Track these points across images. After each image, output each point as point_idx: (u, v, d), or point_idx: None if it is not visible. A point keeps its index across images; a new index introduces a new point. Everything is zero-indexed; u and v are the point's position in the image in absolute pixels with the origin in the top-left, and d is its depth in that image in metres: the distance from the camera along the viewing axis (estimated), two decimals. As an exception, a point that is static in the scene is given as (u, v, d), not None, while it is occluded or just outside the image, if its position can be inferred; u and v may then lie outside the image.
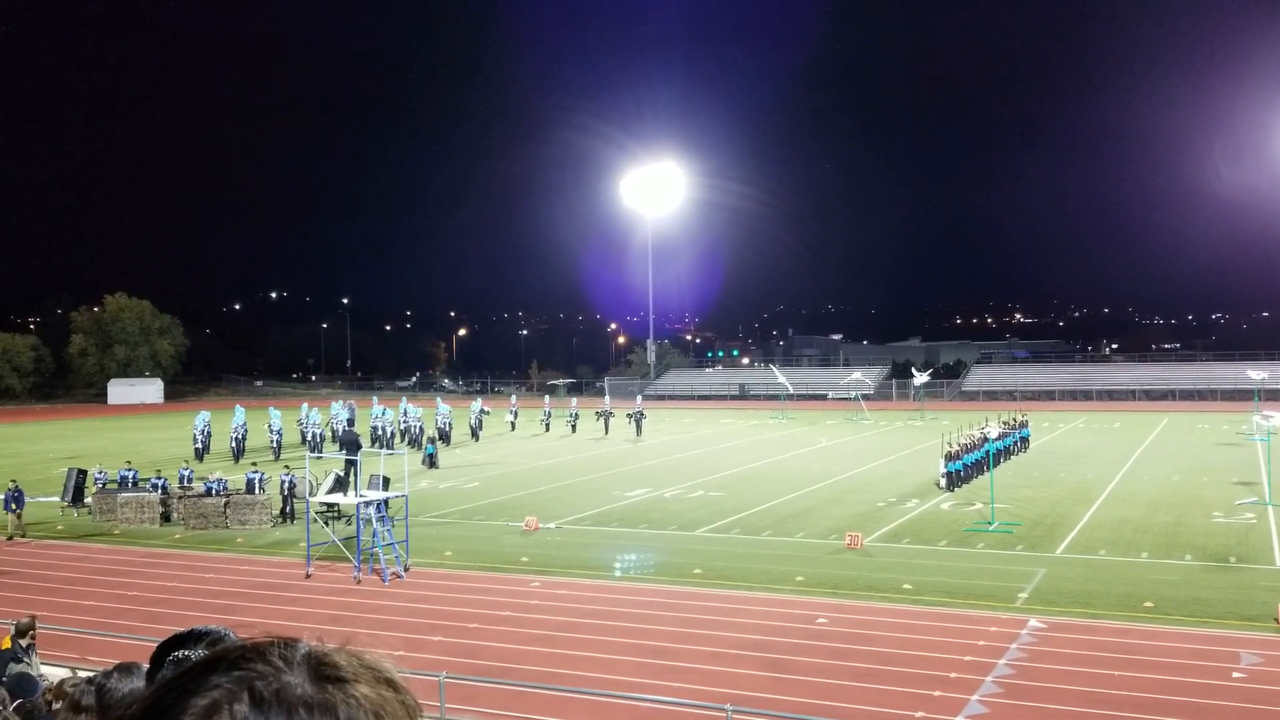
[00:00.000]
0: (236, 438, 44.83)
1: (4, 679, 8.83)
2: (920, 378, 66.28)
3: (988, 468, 30.79)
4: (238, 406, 48.64)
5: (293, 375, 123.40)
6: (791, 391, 71.93)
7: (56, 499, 31.68)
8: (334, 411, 52.94)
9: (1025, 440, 43.19)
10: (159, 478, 30.16)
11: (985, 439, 33.05)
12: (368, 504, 22.27)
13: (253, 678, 1.05)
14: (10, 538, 26.61)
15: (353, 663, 1.10)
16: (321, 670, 1.08)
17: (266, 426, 46.65)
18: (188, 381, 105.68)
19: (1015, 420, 43.32)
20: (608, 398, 62.68)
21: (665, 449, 46.81)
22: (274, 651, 1.09)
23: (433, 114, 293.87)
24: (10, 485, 27.45)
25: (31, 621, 11.66)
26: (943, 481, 32.12)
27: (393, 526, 22.84)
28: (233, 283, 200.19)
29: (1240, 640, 16.34)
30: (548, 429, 56.34)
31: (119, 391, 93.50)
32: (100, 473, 31.61)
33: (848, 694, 14.31)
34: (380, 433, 47.62)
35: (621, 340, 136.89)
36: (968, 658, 15.65)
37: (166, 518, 28.77)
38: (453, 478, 37.42)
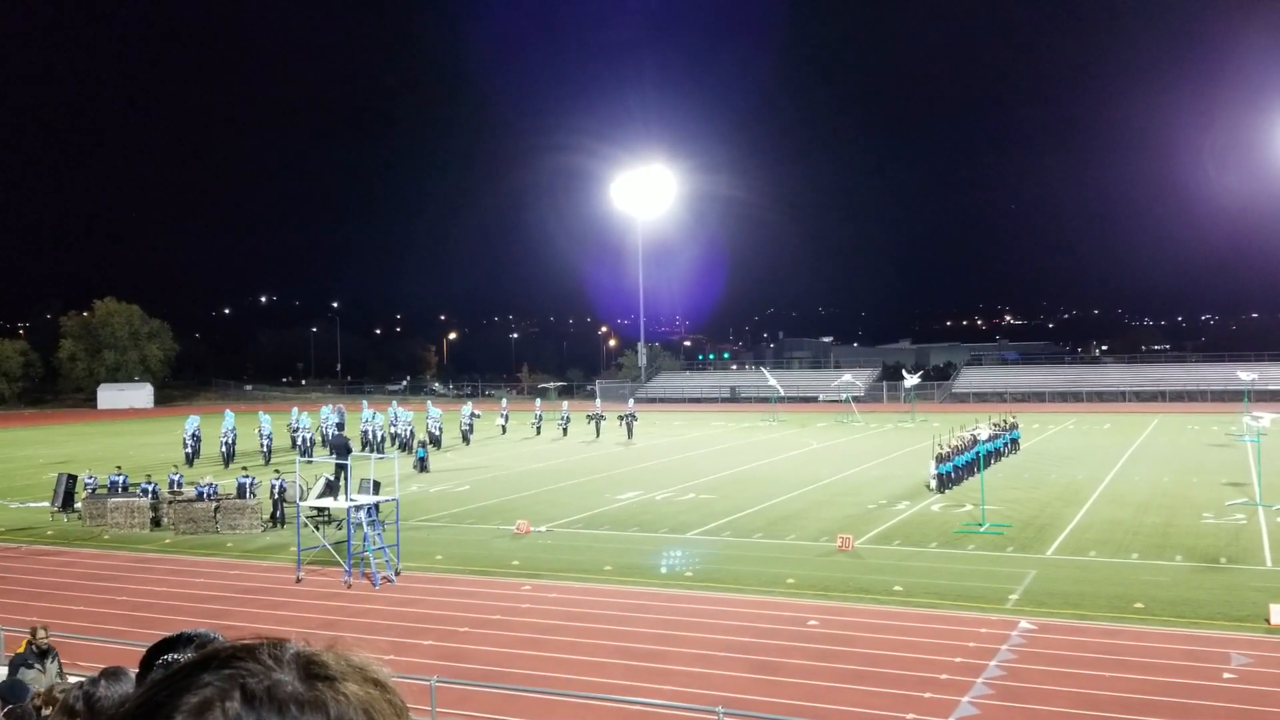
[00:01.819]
0: (226, 442, 44.68)
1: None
2: (910, 380, 66.42)
3: (978, 469, 30.84)
4: (227, 411, 48.47)
5: (282, 379, 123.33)
6: (782, 394, 72.04)
7: (46, 504, 31.56)
8: (323, 415, 52.83)
9: (1015, 442, 43.30)
10: (149, 482, 30.03)
11: (975, 441, 33.13)
12: (358, 508, 22.24)
13: (244, 676, 1.07)
14: None
15: (341, 662, 1.12)
16: (311, 669, 1.09)
17: (256, 431, 46.56)
18: (177, 386, 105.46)
19: (1005, 422, 43.44)
20: (599, 401, 62.66)
21: (656, 452, 46.83)
22: (264, 651, 1.11)
23: (422, 119, 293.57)
24: None
25: (35, 629, 11.60)
26: (933, 483, 32.18)
27: (383, 530, 22.81)
28: (222, 287, 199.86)
29: (1230, 641, 16.39)
30: (539, 432, 56.32)
31: (108, 396, 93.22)
32: (90, 478, 31.48)
33: (838, 696, 14.33)
34: (370, 437, 47.53)
35: (612, 343, 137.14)
36: (958, 659, 15.68)
37: (156, 522, 28.65)
38: (443, 481, 37.36)
